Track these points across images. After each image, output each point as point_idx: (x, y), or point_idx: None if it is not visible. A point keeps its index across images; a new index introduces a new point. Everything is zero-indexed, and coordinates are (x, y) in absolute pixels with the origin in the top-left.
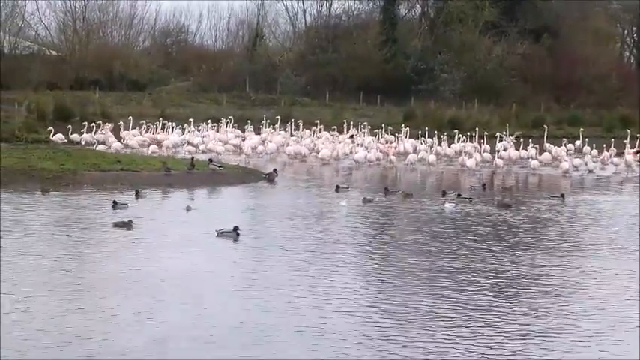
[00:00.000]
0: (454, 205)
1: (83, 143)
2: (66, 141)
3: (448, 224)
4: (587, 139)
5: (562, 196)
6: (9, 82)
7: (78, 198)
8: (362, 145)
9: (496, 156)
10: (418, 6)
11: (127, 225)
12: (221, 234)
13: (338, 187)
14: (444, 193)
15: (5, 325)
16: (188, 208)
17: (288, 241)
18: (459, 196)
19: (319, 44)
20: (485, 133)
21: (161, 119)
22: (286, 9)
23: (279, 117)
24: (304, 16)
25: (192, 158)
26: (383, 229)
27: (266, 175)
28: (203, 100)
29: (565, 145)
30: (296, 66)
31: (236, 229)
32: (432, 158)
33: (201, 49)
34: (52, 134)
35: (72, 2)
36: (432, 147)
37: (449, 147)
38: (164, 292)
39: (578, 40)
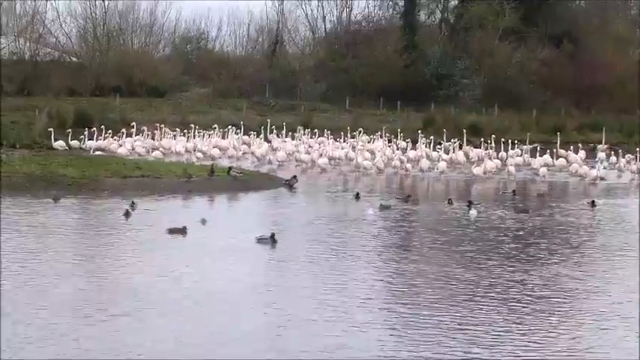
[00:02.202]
0: (476, 211)
1: (96, 150)
2: (67, 148)
3: (473, 230)
4: (599, 146)
5: (592, 202)
6: (30, 88)
7: (110, 203)
8: (372, 152)
9: (509, 163)
10: (438, 12)
11: (182, 231)
12: (259, 241)
13: (358, 194)
14: (450, 201)
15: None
16: (203, 221)
17: (326, 249)
18: (469, 203)
19: (339, 50)
20: (502, 139)
21: (159, 125)
22: (306, 15)
23: (285, 124)
24: (324, 22)
25: (213, 165)
26: (413, 237)
27: (286, 181)
28: (223, 106)
29: (579, 151)
30: (316, 72)
31: (273, 235)
32: (442, 165)
33: (222, 56)
34: (52, 140)
35: (92, 9)
36: (448, 152)
37: (464, 154)
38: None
39: (599, 46)
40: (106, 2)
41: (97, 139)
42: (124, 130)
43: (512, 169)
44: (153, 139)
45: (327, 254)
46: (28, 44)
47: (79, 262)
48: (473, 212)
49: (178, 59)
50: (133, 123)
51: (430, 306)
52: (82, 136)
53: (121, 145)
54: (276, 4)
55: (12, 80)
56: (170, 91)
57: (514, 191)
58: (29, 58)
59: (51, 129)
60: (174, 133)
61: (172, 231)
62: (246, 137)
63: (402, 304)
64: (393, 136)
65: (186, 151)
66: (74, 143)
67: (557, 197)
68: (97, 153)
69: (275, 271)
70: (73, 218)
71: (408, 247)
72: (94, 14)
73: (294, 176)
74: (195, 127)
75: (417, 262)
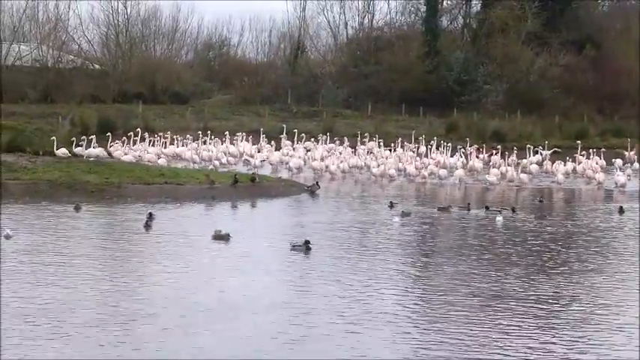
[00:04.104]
0: (502, 218)
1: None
2: (69, 155)
3: (503, 236)
4: (627, 153)
5: (621, 208)
6: (53, 95)
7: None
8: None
9: (519, 170)
10: (460, 17)
11: (225, 238)
12: (294, 248)
13: (392, 203)
14: (490, 208)
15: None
16: (217, 233)
17: (358, 255)
18: (487, 208)
19: (361, 56)
20: (527, 145)
21: (166, 132)
22: (328, 21)
23: (295, 130)
24: (346, 28)
25: (236, 174)
26: (444, 244)
27: (308, 187)
28: (245, 112)
29: (593, 158)
30: (338, 78)
31: (307, 242)
32: (459, 172)
33: (244, 62)
34: (55, 148)
35: (114, 16)
36: (467, 158)
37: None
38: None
39: (621, 51)
40: (129, 9)
41: (93, 146)
42: (130, 133)
43: (523, 176)
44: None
45: (361, 261)
46: (50, 51)
47: (113, 274)
48: (499, 219)
49: (200, 66)
50: (138, 130)
51: (464, 311)
52: (82, 142)
53: (126, 154)
54: (298, 11)
55: (35, 87)
56: (193, 97)
57: (541, 197)
58: (52, 65)
59: (54, 137)
60: (184, 139)
61: (217, 237)
62: (263, 144)
63: (435, 311)
64: (416, 144)
65: (202, 159)
66: (78, 150)
67: (582, 204)
68: (91, 160)
69: (310, 279)
70: (96, 226)
71: (438, 254)
72: (116, 21)
73: (317, 182)
74: (198, 134)
75: (446, 267)
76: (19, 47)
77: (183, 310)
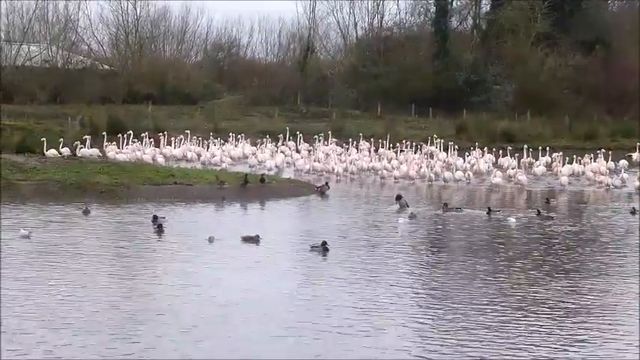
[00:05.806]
0: (515, 219)
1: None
2: (59, 155)
3: (518, 238)
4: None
5: (633, 210)
6: (62, 96)
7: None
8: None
9: (517, 172)
10: (470, 18)
11: (255, 239)
12: (312, 249)
13: (399, 197)
14: (492, 209)
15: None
16: (210, 239)
17: (374, 256)
18: (489, 210)
19: (370, 57)
20: (541, 147)
21: (162, 133)
22: (337, 22)
23: (298, 132)
24: (355, 29)
25: (247, 175)
26: (458, 246)
27: (318, 188)
28: (255, 113)
29: (599, 160)
30: (347, 79)
31: (324, 244)
32: (459, 174)
33: (253, 63)
34: (45, 149)
35: (124, 16)
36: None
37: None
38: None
39: (631, 51)
40: (138, 9)
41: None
42: (122, 134)
43: (522, 177)
44: (157, 146)
45: (377, 262)
46: (60, 52)
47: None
48: (512, 220)
49: (210, 66)
50: (130, 132)
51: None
52: (76, 143)
53: (117, 153)
54: (308, 11)
55: (44, 88)
56: (202, 98)
57: (547, 199)
58: (62, 66)
59: (44, 139)
60: (180, 139)
61: (246, 239)
62: (267, 145)
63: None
64: (426, 145)
65: (207, 160)
66: (64, 150)
67: (591, 205)
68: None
69: (331, 280)
70: (109, 228)
71: (451, 256)
72: (125, 22)
73: (326, 183)
74: (187, 133)
75: (460, 268)
76: (28, 48)
77: (203, 309)
